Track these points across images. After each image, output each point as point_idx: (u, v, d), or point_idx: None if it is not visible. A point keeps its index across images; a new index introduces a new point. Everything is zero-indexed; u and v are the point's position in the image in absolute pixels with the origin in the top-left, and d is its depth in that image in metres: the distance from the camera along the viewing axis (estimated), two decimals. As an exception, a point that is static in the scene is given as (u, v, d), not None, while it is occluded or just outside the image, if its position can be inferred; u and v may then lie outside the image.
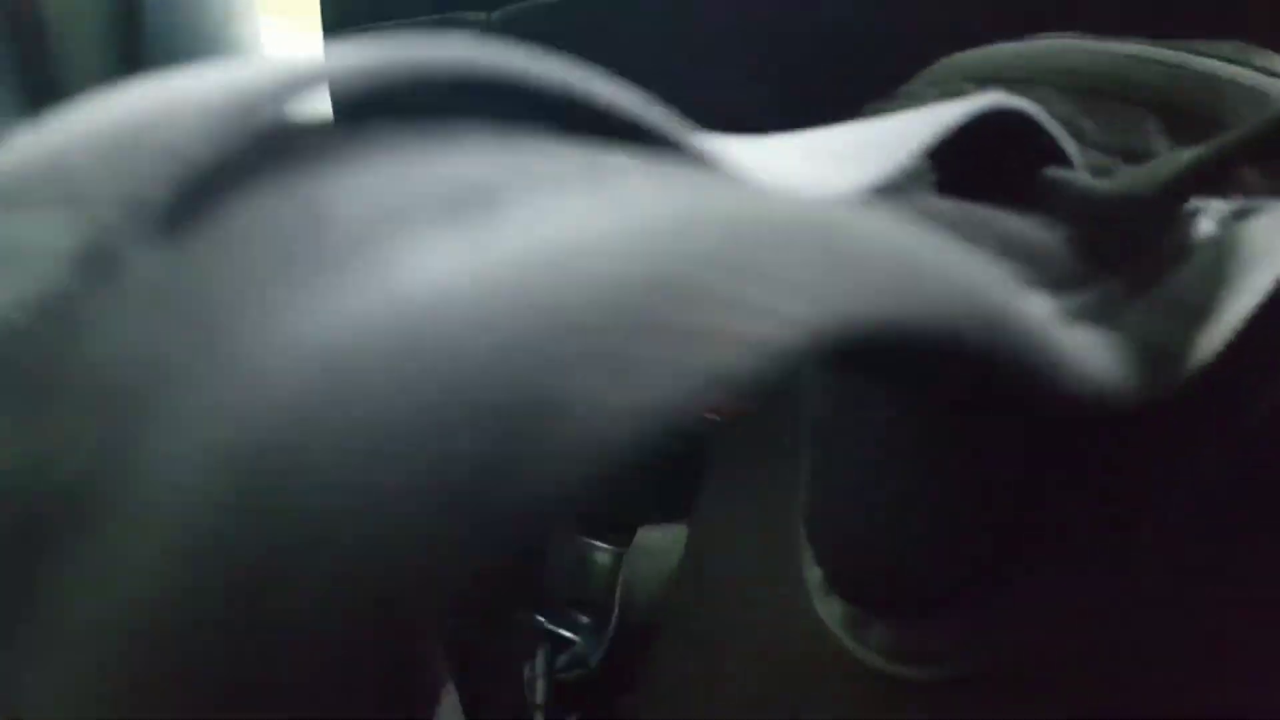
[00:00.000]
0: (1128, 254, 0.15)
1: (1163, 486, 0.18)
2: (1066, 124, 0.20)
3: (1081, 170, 0.18)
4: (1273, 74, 0.20)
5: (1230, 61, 0.20)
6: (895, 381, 0.17)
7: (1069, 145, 0.18)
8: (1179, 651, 0.19)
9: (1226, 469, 0.18)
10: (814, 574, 0.25)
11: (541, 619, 0.44)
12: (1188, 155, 0.16)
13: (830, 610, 0.25)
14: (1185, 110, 0.21)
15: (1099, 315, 0.14)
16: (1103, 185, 0.16)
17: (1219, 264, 0.14)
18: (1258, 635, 0.18)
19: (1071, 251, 0.16)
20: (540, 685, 0.36)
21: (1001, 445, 0.20)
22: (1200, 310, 0.14)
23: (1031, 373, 0.12)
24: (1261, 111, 0.19)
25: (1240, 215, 0.16)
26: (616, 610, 0.39)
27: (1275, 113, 0.15)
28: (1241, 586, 0.19)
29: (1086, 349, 0.12)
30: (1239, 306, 0.14)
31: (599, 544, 0.44)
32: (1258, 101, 0.20)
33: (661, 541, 0.41)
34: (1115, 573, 0.20)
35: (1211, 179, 0.16)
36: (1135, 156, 0.20)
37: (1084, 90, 0.21)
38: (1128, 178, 0.17)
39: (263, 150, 0.09)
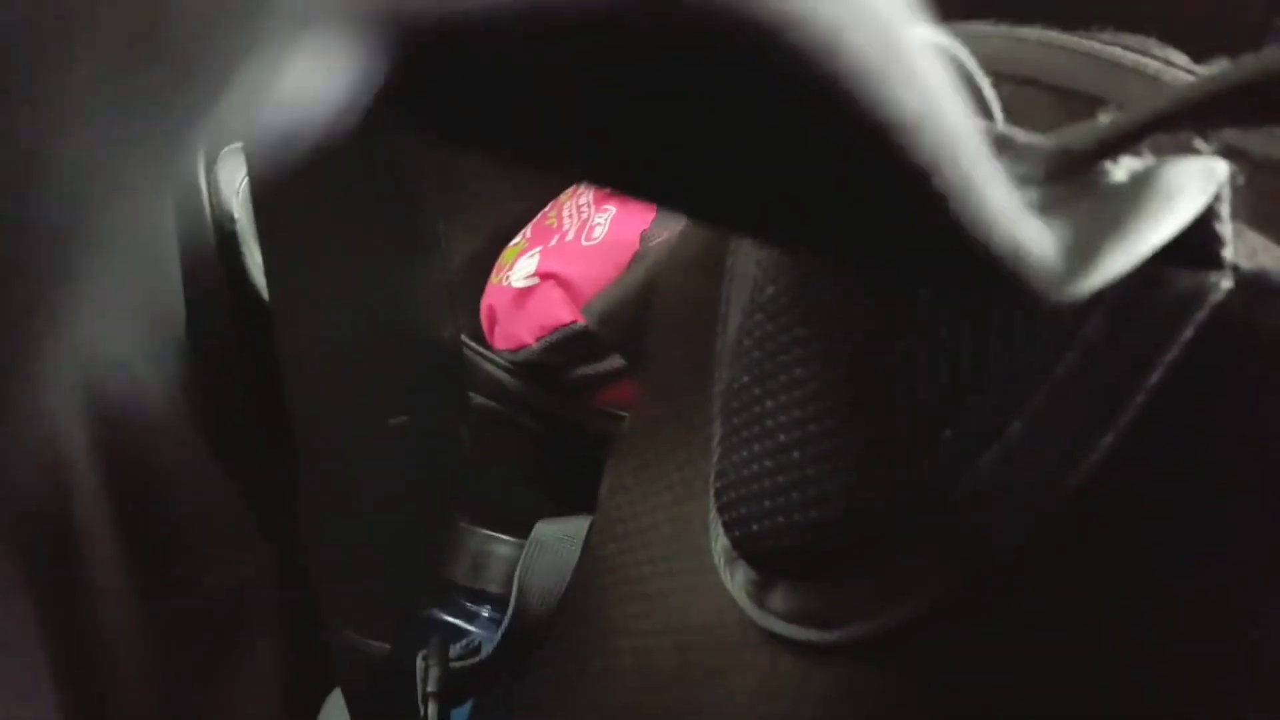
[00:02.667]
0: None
1: (1075, 442, 0.19)
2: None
3: (1003, 124, 0.19)
4: (1171, 64, 0.21)
5: (1133, 51, 0.22)
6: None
7: (990, 94, 0.19)
8: (1089, 613, 0.20)
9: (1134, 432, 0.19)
10: (720, 544, 0.25)
11: (438, 610, 0.43)
12: (1124, 116, 0.17)
13: (734, 578, 0.25)
14: (1089, 96, 0.22)
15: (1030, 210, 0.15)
16: (1036, 138, 0.17)
17: (1135, 195, 0.15)
18: (1181, 586, 0.19)
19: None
20: (434, 674, 0.35)
21: (908, 404, 0.21)
22: (1113, 231, 0.15)
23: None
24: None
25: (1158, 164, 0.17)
26: (514, 601, 0.39)
27: (1213, 78, 0.16)
28: (1157, 547, 0.19)
29: (1021, 217, 0.13)
30: (1149, 235, 0.15)
31: (498, 535, 0.43)
32: (1157, 90, 0.21)
33: (560, 533, 0.41)
34: (1021, 535, 0.20)
35: (1138, 140, 0.17)
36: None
37: (996, 76, 0.22)
38: (1064, 135, 0.17)
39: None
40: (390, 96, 0.09)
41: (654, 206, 0.48)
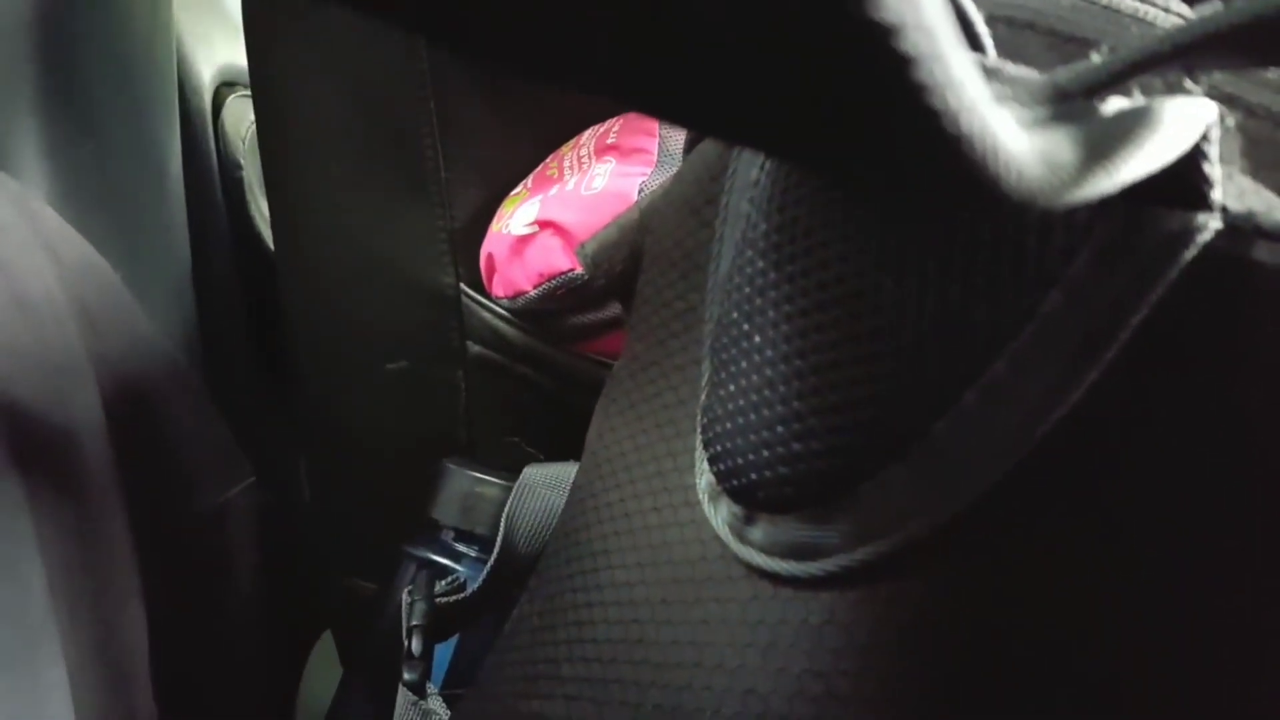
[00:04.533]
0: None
1: (1059, 380, 0.19)
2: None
3: (995, 59, 0.19)
4: (1169, 10, 0.21)
5: (1131, -4, 0.22)
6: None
7: (983, 28, 0.19)
8: (1069, 549, 0.20)
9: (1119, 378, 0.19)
10: (704, 480, 0.26)
11: (425, 549, 0.44)
12: (1114, 55, 0.17)
13: (717, 513, 0.25)
14: (1089, 42, 0.22)
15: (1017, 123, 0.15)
16: (1031, 73, 0.17)
17: (1121, 128, 0.15)
18: (1162, 523, 0.19)
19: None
20: (419, 608, 0.36)
21: (893, 341, 0.21)
22: (1097, 154, 0.15)
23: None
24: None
25: (1147, 102, 0.17)
26: (500, 542, 0.39)
27: (1204, 20, 0.16)
28: (1138, 484, 0.19)
29: (999, 119, 0.13)
30: (1133, 164, 0.15)
31: (487, 478, 0.44)
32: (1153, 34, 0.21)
33: (549, 478, 0.41)
34: (1002, 472, 0.20)
35: (1129, 78, 0.17)
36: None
37: (991, 19, 0.22)
38: (1055, 73, 0.17)
39: None
40: None
41: (649, 148, 0.48)
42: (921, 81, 0.11)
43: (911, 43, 0.11)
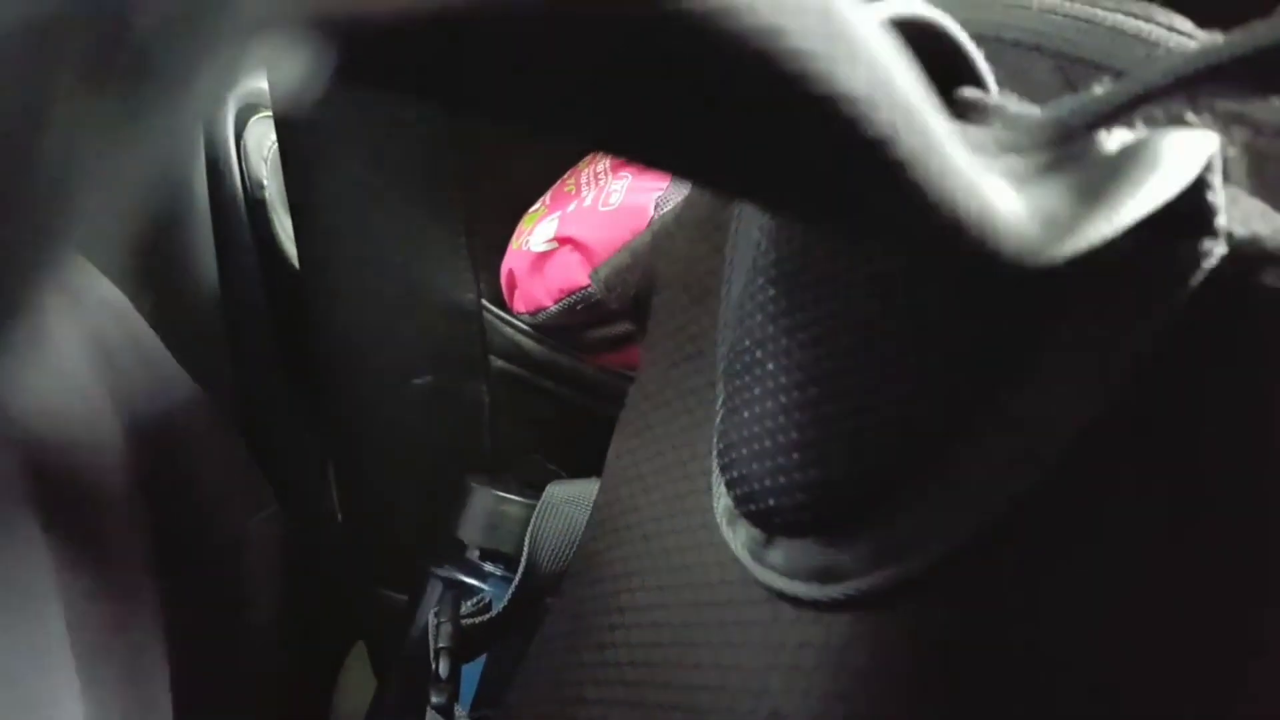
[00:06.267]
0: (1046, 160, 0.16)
1: (1068, 407, 0.19)
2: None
3: (998, 94, 0.19)
4: (1174, 30, 0.21)
5: (1135, 17, 0.22)
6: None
7: (982, 64, 0.19)
8: (1085, 568, 0.20)
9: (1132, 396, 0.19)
10: (722, 503, 0.26)
11: (451, 568, 0.44)
12: (1117, 87, 0.17)
13: (736, 536, 0.25)
14: (1093, 62, 0.22)
15: (1012, 178, 0.15)
16: (1031, 110, 0.17)
17: (1123, 167, 0.16)
18: (1175, 544, 0.19)
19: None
20: (445, 629, 0.36)
21: (906, 367, 0.21)
22: (1098, 200, 0.15)
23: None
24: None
25: (1149, 136, 0.17)
26: (524, 560, 0.39)
27: (1207, 51, 0.16)
28: (1148, 506, 0.19)
29: (989, 184, 0.13)
30: (1134, 206, 0.15)
31: (510, 496, 0.44)
32: (1159, 56, 0.21)
33: (571, 496, 0.41)
34: (1016, 497, 0.20)
35: (1131, 111, 0.17)
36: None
37: (999, 41, 0.22)
38: (1057, 105, 0.18)
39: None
40: (348, 74, 0.09)
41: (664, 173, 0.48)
42: (917, 179, 0.11)
43: (905, 148, 0.11)
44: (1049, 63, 0.22)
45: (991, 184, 0.13)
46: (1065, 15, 0.22)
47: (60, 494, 0.31)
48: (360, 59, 0.09)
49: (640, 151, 0.13)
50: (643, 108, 0.11)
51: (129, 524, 0.34)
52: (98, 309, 0.39)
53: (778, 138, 0.11)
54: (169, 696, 0.34)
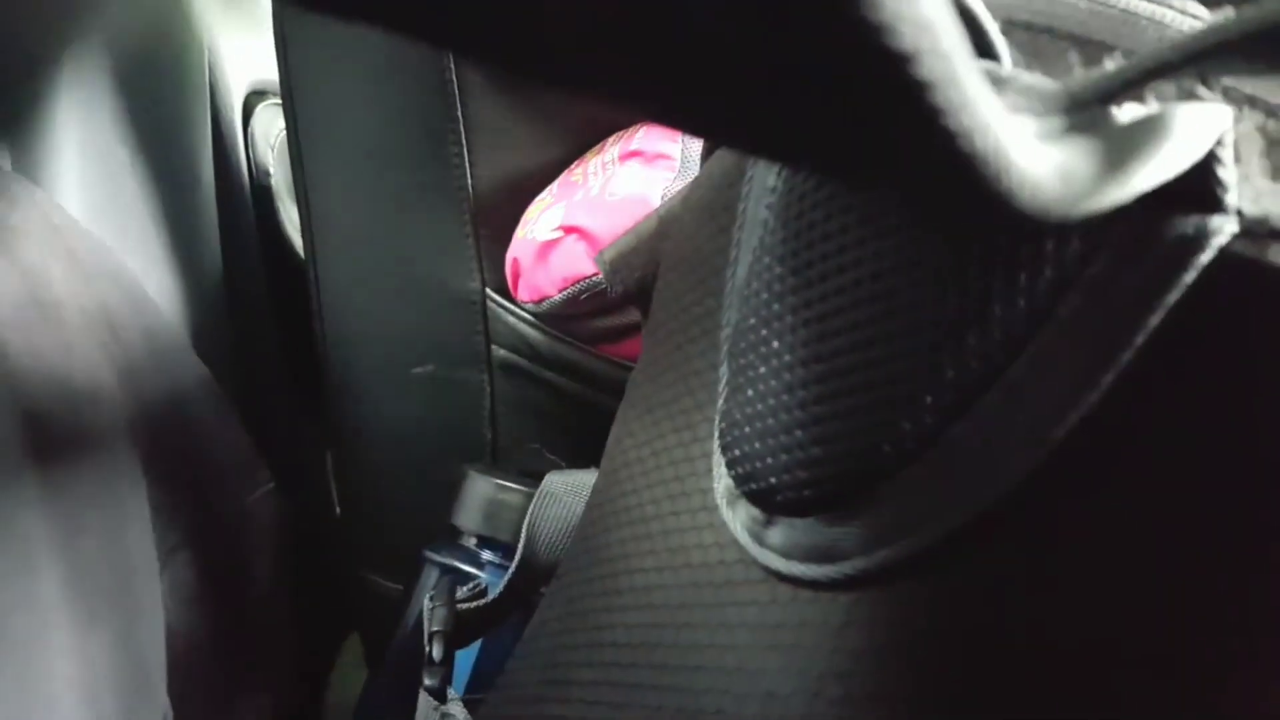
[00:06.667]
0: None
1: (1076, 383, 0.19)
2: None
3: (1011, 65, 0.19)
4: (1186, 13, 0.21)
5: (1148, 0, 0.22)
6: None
7: (998, 37, 0.19)
8: (1088, 550, 0.20)
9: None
10: (722, 484, 0.26)
11: (448, 554, 0.44)
12: (1129, 63, 0.17)
13: (736, 516, 0.25)
14: (1106, 45, 0.22)
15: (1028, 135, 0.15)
16: (1045, 81, 0.17)
17: (1135, 138, 0.15)
18: (1181, 525, 0.19)
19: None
20: (440, 614, 0.36)
21: (911, 344, 0.21)
22: (1110, 166, 0.15)
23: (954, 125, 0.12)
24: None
25: (1161, 110, 0.17)
26: (521, 548, 0.39)
27: (1218, 27, 0.16)
28: (1156, 486, 0.19)
29: (1010, 134, 0.13)
30: (1146, 175, 0.15)
31: (509, 485, 0.44)
32: (1170, 38, 0.21)
33: (570, 485, 0.41)
34: (1020, 474, 0.20)
35: (1142, 85, 0.17)
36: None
37: (1009, 23, 0.22)
38: (1069, 80, 0.17)
39: None
40: None
41: (671, 153, 0.48)
42: (937, 104, 0.11)
43: (927, 68, 0.11)
44: (1062, 44, 0.22)
45: (1018, 137, 0.13)
46: (1078, -2, 0.22)
47: (60, 459, 0.31)
48: None
49: (670, 100, 0.13)
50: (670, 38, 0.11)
51: (129, 491, 0.34)
52: (105, 278, 0.39)
53: (796, 52, 0.11)
54: (164, 661, 0.34)
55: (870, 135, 0.12)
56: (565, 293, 0.50)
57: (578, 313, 0.51)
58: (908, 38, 0.10)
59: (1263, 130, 0.20)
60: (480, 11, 0.11)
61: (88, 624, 0.30)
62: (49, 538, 0.29)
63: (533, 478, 0.44)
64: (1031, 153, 0.13)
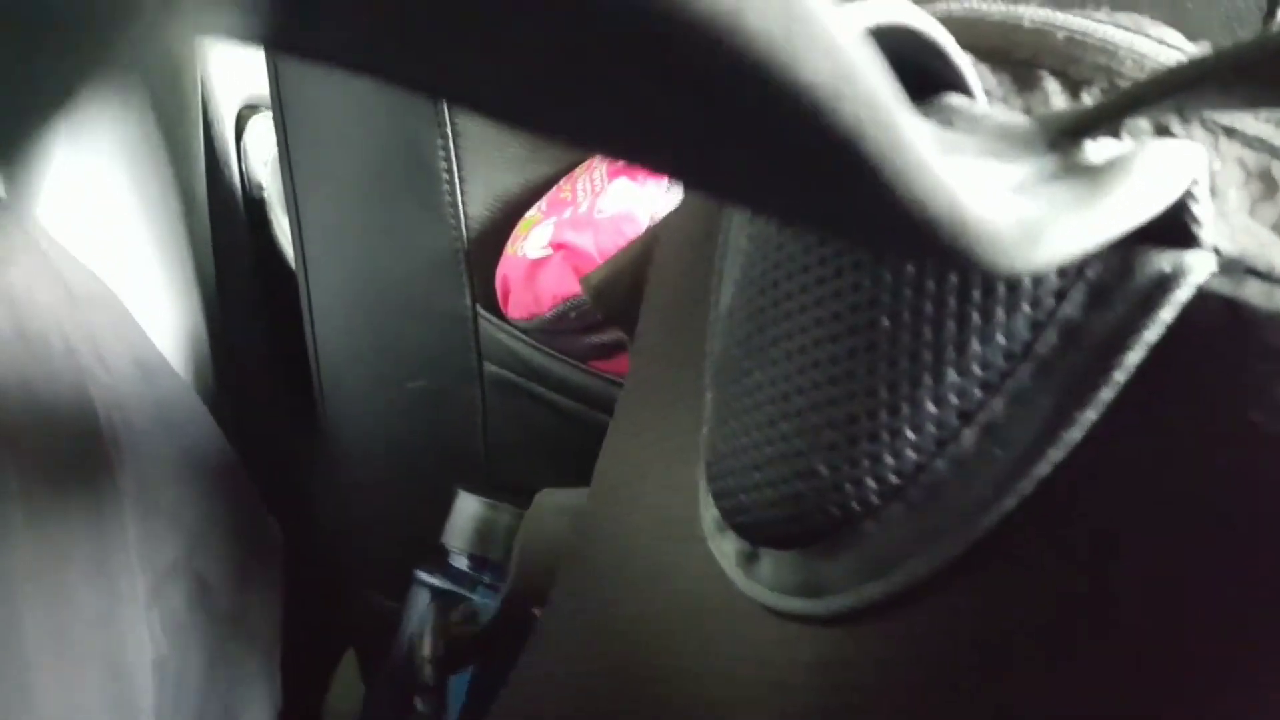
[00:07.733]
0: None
1: (1055, 420, 0.19)
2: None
3: (984, 100, 0.19)
4: (1164, 43, 0.21)
5: (1127, 30, 0.21)
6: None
7: (970, 72, 0.19)
8: (1068, 588, 0.20)
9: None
10: (710, 514, 0.26)
11: (440, 575, 0.44)
12: (1104, 98, 0.17)
13: (723, 548, 0.25)
14: (1084, 75, 0.22)
15: (994, 184, 0.15)
16: (1018, 118, 0.17)
17: (1106, 179, 0.15)
18: (1159, 563, 0.19)
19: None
20: (430, 640, 0.36)
21: (891, 379, 0.21)
22: (1078, 211, 0.15)
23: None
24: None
25: (1134, 148, 0.17)
26: (513, 569, 0.39)
27: (1193, 63, 0.16)
28: (1135, 524, 0.19)
29: (966, 188, 0.13)
30: (1114, 220, 0.15)
31: (500, 504, 0.44)
32: (1148, 69, 0.21)
33: (561, 504, 0.41)
34: (1001, 511, 0.20)
35: (1116, 121, 0.17)
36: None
37: (988, 51, 0.22)
38: (1045, 116, 0.17)
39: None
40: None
41: (663, 179, 0.48)
42: (883, 180, 0.11)
43: (871, 141, 0.11)
44: (1040, 76, 0.22)
45: (966, 186, 0.13)
46: (1055, 26, 0.22)
47: (46, 489, 0.31)
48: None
49: (592, 137, 0.13)
50: (599, 90, 0.11)
51: (116, 521, 0.34)
52: (91, 304, 0.39)
53: (739, 130, 0.11)
54: (152, 690, 0.34)
55: (821, 200, 0.12)
56: (555, 310, 0.50)
57: (568, 330, 0.51)
58: (848, 116, 0.10)
59: (1241, 162, 0.20)
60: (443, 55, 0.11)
61: (73, 656, 0.30)
62: (33, 569, 0.29)
63: (525, 494, 0.44)
64: (994, 207, 0.13)
